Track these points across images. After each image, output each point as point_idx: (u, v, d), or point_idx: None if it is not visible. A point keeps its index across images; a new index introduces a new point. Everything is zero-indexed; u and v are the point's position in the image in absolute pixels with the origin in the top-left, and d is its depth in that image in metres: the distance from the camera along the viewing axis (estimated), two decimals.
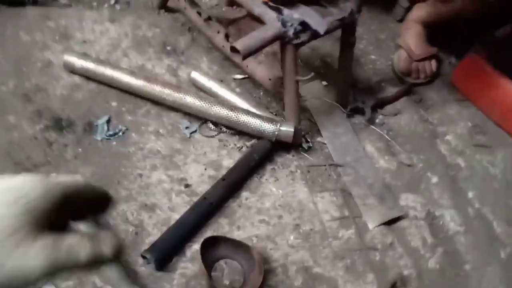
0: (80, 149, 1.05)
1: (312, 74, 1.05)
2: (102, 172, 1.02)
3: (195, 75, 1.21)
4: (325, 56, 1.42)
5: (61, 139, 1.06)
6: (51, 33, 1.23)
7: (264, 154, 1.11)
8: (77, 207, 0.39)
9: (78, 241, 0.36)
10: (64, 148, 1.05)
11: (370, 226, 1.08)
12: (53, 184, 0.37)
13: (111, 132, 1.07)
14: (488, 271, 1.02)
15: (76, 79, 1.17)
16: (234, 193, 1.04)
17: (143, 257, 0.89)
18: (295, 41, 1.03)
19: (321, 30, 1.03)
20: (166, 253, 0.91)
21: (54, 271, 0.35)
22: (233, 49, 0.98)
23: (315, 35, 1.04)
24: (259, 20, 1.29)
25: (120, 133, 1.08)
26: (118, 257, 0.38)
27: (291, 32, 1.01)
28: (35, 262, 0.34)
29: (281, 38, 1.02)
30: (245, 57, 0.97)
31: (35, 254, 0.34)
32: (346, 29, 1.15)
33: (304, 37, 1.03)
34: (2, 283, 0.33)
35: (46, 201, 0.35)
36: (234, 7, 1.42)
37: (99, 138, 1.06)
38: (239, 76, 1.29)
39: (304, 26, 1.02)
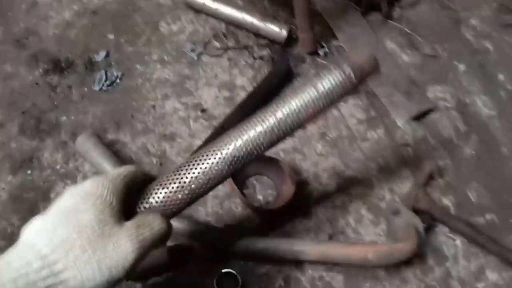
0: (85, 89, 1.02)
1: None
2: (113, 109, 1.00)
3: None
4: None
5: (63, 81, 1.02)
6: None
7: (284, 75, 1.06)
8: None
9: (151, 217, 0.47)
10: (68, 89, 1.01)
11: (400, 123, 1.05)
12: (116, 179, 0.46)
13: (108, 82, 1.02)
14: None
15: (67, 16, 1.11)
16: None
17: None
18: None
19: None
20: None
21: (145, 249, 0.43)
22: None
23: None
24: None
25: (118, 80, 1.03)
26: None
27: None
28: (128, 247, 0.41)
29: None
30: None
31: (125, 240, 0.41)
32: None
33: None
34: (102, 279, 0.39)
35: (116, 194, 0.44)
36: None
37: (97, 89, 1.02)
38: None
39: None
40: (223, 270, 0.79)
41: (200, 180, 0.56)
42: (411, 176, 0.98)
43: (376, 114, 1.06)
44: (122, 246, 0.41)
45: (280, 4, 1.20)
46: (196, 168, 0.56)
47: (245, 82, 1.07)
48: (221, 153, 0.58)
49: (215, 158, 0.57)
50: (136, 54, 1.08)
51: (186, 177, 0.55)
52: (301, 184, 0.94)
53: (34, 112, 0.97)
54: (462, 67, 1.16)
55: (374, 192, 0.95)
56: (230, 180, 0.89)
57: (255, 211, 0.90)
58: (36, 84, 1.01)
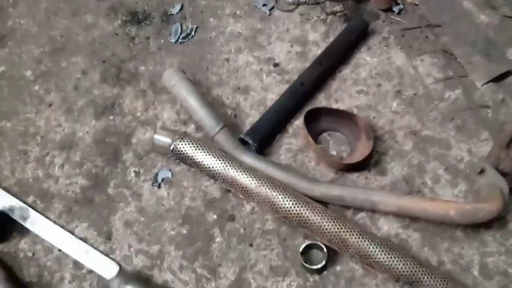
0: (162, 40, 0.99)
1: None
2: (188, 61, 0.97)
3: None
4: None
5: (141, 32, 1.00)
6: None
7: (361, 33, 0.99)
8: None
9: None
10: (146, 40, 0.99)
11: (478, 84, 0.97)
12: None
13: (183, 35, 0.99)
14: None
15: None
16: (330, 75, 0.96)
17: (242, 140, 0.85)
18: None
19: None
20: (265, 135, 0.87)
21: None
22: None
23: None
24: None
25: (193, 33, 0.99)
26: None
27: None
28: None
29: None
30: None
31: None
32: None
33: None
34: None
35: None
36: None
37: (173, 41, 0.99)
38: None
39: None
40: (308, 242, 0.76)
41: None
42: (490, 138, 0.90)
43: (454, 74, 0.98)
44: None
45: None
46: None
47: (317, 38, 1.01)
48: None
49: None
50: (209, 8, 1.04)
51: None
52: (376, 141, 0.89)
53: (114, 61, 0.96)
54: None
55: (452, 153, 0.89)
56: (305, 133, 0.85)
57: (329, 165, 0.86)
58: (116, 34, 0.99)
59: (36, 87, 0.92)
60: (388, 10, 1.06)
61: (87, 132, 0.88)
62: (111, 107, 0.90)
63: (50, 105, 0.90)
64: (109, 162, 0.85)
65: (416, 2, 1.08)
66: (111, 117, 0.89)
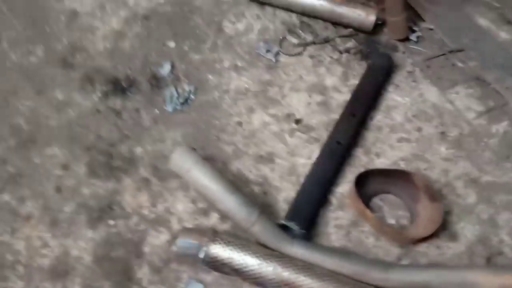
0: (156, 110, 0.82)
1: None
2: (193, 131, 0.80)
3: None
4: None
5: (128, 103, 0.82)
6: None
7: (387, 71, 0.87)
8: None
9: None
10: (136, 113, 0.81)
11: None
12: None
13: (181, 100, 0.82)
14: None
15: (115, 24, 0.90)
16: (364, 125, 0.82)
17: (283, 226, 0.69)
18: None
19: None
20: (309, 214, 0.71)
21: None
22: None
23: None
24: None
25: (192, 96, 0.83)
26: None
27: None
28: None
29: None
30: None
31: None
32: None
33: None
34: None
35: None
36: None
37: (170, 109, 0.81)
38: None
39: None
40: None
41: None
42: None
43: (495, 104, 0.87)
44: None
45: None
46: None
47: (336, 82, 0.88)
48: None
49: None
50: (205, 63, 0.88)
51: None
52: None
53: (101, 146, 0.77)
54: None
55: None
56: (360, 207, 0.71)
57: (393, 239, 0.71)
58: (97, 111, 0.80)
59: (6, 198, 0.71)
60: (405, 39, 0.94)
61: (84, 248, 0.67)
62: (109, 208, 0.71)
63: (28, 218, 0.69)
64: (119, 285, 0.65)
65: (431, 27, 0.98)
66: (111, 222, 0.70)
